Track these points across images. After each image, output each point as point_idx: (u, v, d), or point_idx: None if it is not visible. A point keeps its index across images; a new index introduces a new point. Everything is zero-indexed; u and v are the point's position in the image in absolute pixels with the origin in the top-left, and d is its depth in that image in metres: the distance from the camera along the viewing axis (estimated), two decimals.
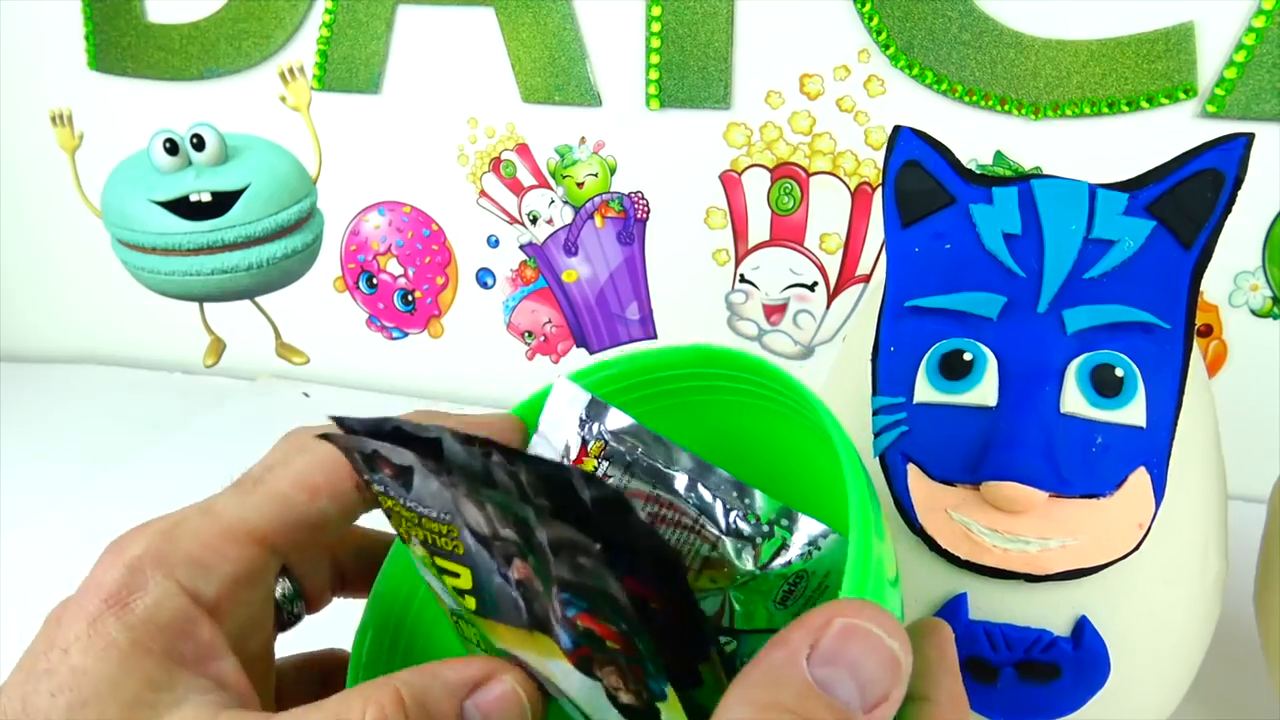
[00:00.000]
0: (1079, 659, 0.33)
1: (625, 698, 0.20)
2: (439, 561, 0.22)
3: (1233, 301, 0.62)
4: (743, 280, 0.70)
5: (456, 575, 0.22)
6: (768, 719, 0.17)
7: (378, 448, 0.21)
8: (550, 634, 0.20)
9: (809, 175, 0.66)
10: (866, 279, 0.68)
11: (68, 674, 0.19)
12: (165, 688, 0.19)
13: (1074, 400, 0.32)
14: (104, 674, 0.19)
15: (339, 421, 0.21)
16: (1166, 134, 0.59)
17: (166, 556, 0.21)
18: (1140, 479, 0.32)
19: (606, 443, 0.25)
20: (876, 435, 0.35)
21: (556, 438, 0.26)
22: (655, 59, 0.65)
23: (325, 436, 0.21)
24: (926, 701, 0.21)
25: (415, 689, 0.20)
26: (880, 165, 0.65)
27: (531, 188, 0.72)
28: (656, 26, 0.64)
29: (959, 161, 0.36)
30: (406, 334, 0.80)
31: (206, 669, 0.21)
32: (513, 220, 0.74)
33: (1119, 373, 0.32)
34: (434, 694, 0.20)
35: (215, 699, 0.20)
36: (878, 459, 0.35)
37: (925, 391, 0.34)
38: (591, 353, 0.76)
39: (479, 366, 0.79)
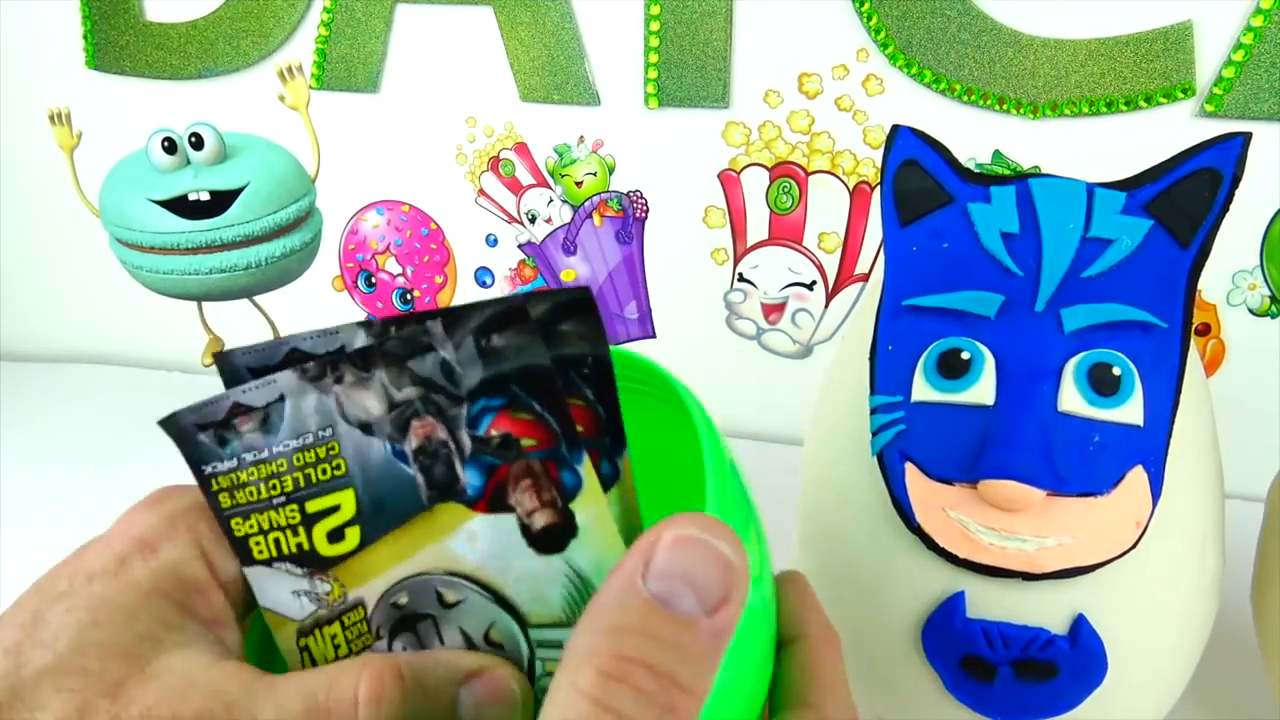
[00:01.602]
0: (1076, 657, 0.33)
1: (540, 518, 0.21)
2: (312, 508, 0.22)
3: (1231, 300, 0.62)
4: (741, 279, 0.70)
5: (335, 509, 0.22)
6: (615, 644, 0.17)
7: (239, 398, 0.21)
8: (453, 495, 0.21)
9: (807, 174, 0.66)
10: (865, 278, 0.68)
11: (87, 598, 0.20)
12: (176, 629, 0.20)
13: (1071, 399, 0.32)
14: (122, 604, 0.20)
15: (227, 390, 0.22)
16: (1165, 133, 0.59)
17: (198, 524, 0.22)
18: (1137, 478, 0.32)
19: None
20: (874, 434, 0.35)
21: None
22: (654, 58, 0.65)
23: (164, 422, 0.22)
24: (801, 639, 0.24)
25: (415, 667, 0.20)
26: (879, 164, 0.65)
27: (530, 187, 0.72)
28: (655, 25, 0.64)
29: (957, 161, 0.36)
30: None
31: (215, 630, 0.21)
32: (511, 219, 0.74)
33: (1116, 371, 0.32)
34: (432, 674, 0.20)
35: (220, 651, 0.21)
36: (875, 457, 0.35)
37: (923, 390, 0.34)
38: None
39: None
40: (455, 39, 0.69)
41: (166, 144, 0.66)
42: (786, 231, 0.68)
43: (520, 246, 0.74)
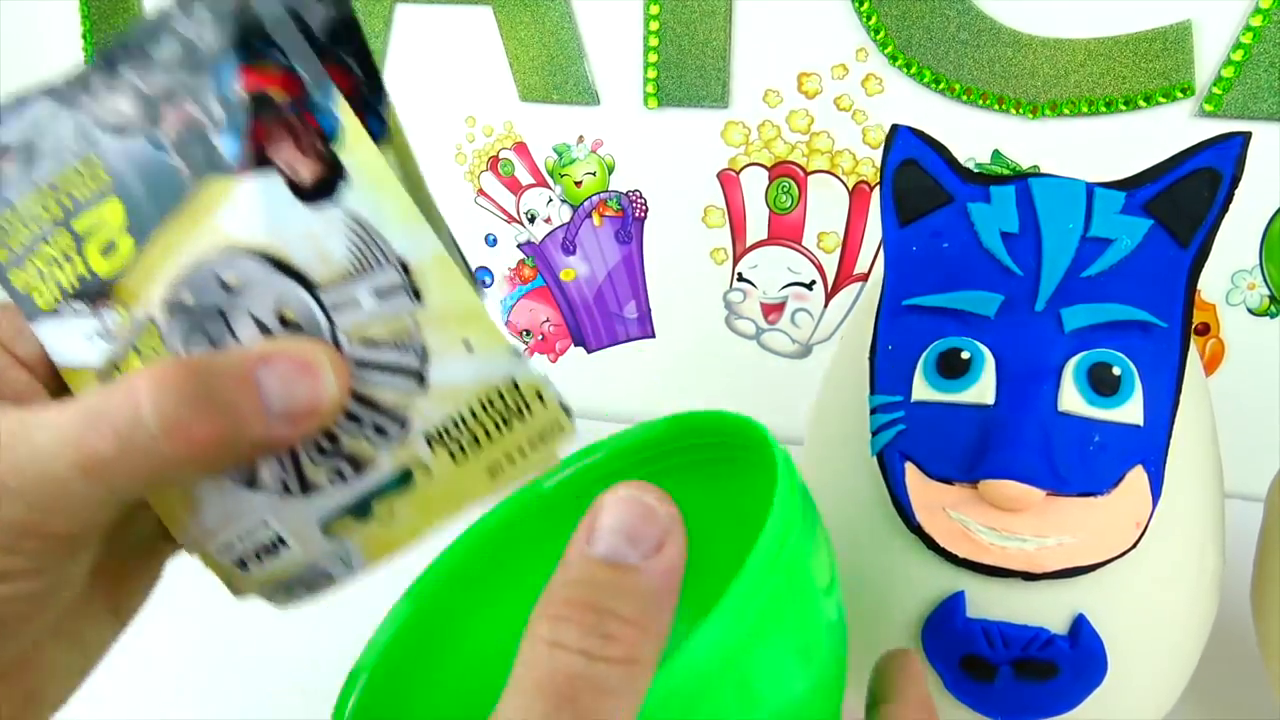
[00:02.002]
0: (1076, 657, 0.33)
1: (305, 169, 0.20)
2: (81, 225, 0.22)
3: (1230, 300, 0.62)
4: (741, 279, 0.71)
5: (103, 222, 0.21)
6: (563, 594, 0.19)
7: None
8: (214, 168, 0.20)
9: (807, 174, 0.66)
10: (864, 277, 0.68)
11: None
12: None
13: (1071, 399, 0.32)
14: None
15: None
16: (1164, 133, 0.59)
17: None
18: (1137, 477, 0.32)
19: None
20: (874, 434, 0.35)
21: None
22: (653, 58, 0.65)
23: None
24: (893, 704, 0.25)
25: (201, 359, 0.20)
26: (878, 164, 0.65)
27: (529, 186, 0.72)
28: (655, 25, 0.64)
29: (957, 160, 0.36)
30: None
31: (24, 404, 0.20)
32: (511, 219, 0.74)
33: (1116, 371, 0.32)
34: (223, 361, 0.20)
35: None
36: (875, 457, 0.35)
37: (923, 390, 0.34)
38: (589, 351, 0.76)
39: None
40: (454, 38, 0.69)
41: None
42: (786, 231, 0.68)
43: (519, 246, 0.74)
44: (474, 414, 0.21)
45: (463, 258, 0.21)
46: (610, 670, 0.18)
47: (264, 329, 0.21)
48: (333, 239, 0.20)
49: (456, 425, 0.21)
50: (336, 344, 0.21)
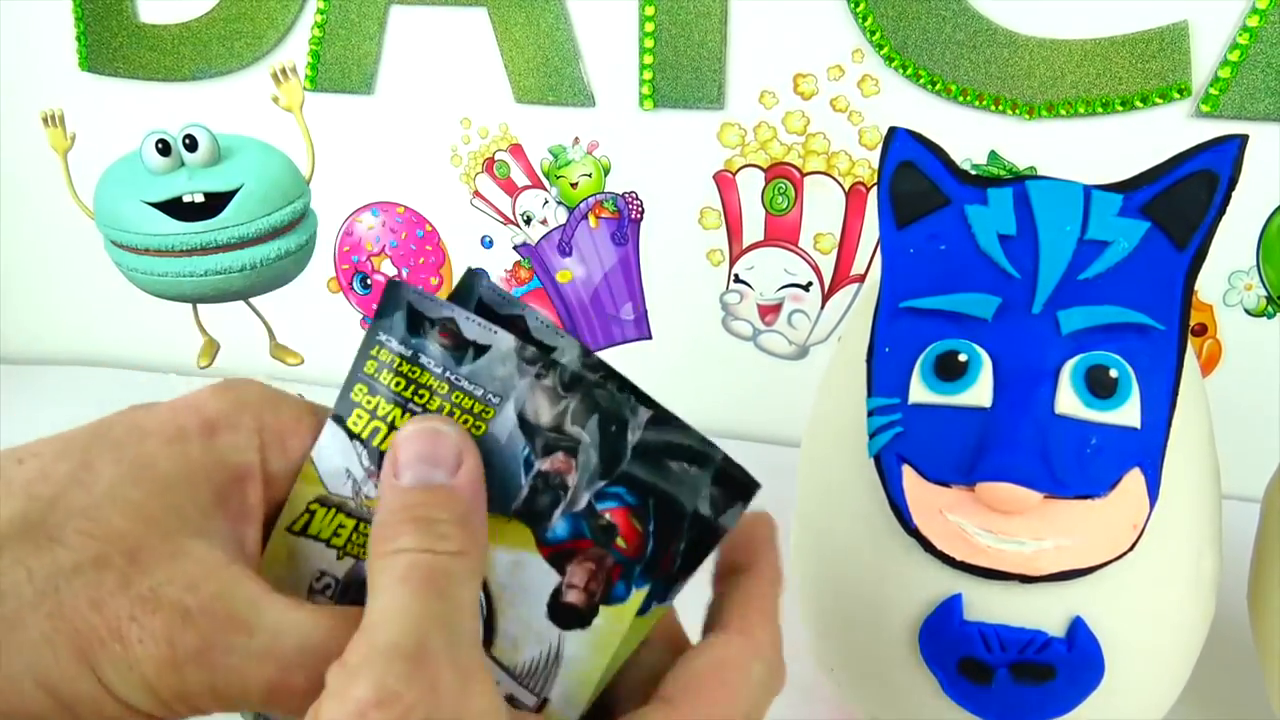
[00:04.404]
0: (1074, 660, 0.33)
1: (571, 596, 0.23)
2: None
3: (1227, 301, 0.62)
4: (737, 280, 0.70)
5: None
6: (389, 517, 0.21)
7: (460, 320, 0.23)
8: (534, 524, 0.23)
9: (803, 175, 0.66)
10: (861, 279, 0.68)
11: (135, 455, 0.21)
12: (206, 515, 0.21)
13: (1068, 401, 0.32)
14: (165, 471, 0.21)
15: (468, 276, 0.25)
16: (1161, 134, 0.59)
17: (263, 414, 0.23)
18: (1134, 480, 0.32)
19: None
20: (871, 436, 0.35)
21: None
22: (649, 59, 0.65)
23: (391, 282, 0.24)
24: (747, 572, 0.25)
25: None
26: (874, 165, 0.65)
27: (525, 188, 0.72)
28: (650, 26, 0.64)
29: (954, 162, 0.36)
30: None
31: (239, 526, 0.22)
32: (507, 221, 0.74)
33: (1113, 374, 0.32)
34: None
35: (239, 552, 0.22)
36: (873, 459, 0.35)
37: (920, 392, 0.34)
38: None
39: None
40: (449, 40, 0.69)
41: (160, 146, 0.65)
42: (782, 233, 0.68)
43: (515, 248, 0.74)
44: None
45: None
46: (451, 561, 0.21)
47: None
48: (531, 646, 0.23)
49: None
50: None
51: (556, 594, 0.23)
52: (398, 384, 0.24)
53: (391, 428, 0.23)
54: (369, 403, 0.24)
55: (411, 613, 0.19)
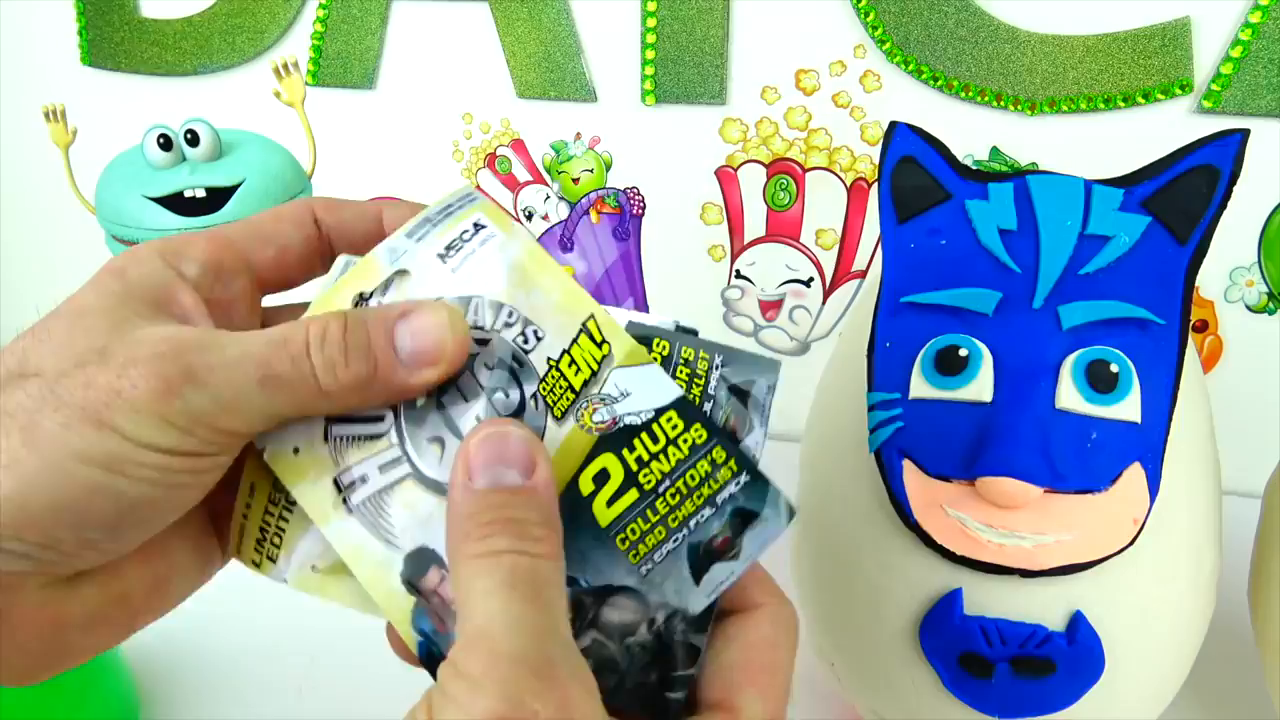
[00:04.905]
0: (1074, 654, 0.33)
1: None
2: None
3: (1228, 297, 0.62)
4: (738, 276, 0.70)
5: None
6: (475, 520, 0.22)
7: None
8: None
9: (805, 171, 0.66)
10: (862, 275, 0.68)
11: (69, 308, 0.24)
12: (148, 318, 0.24)
13: (1069, 396, 0.32)
14: (101, 305, 0.24)
15: None
16: (1162, 130, 0.59)
17: (159, 247, 0.26)
18: (1135, 474, 0.32)
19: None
20: (872, 431, 0.35)
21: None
22: (651, 54, 0.65)
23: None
24: (751, 611, 0.25)
25: (356, 313, 0.24)
26: (876, 161, 0.65)
27: (527, 183, 0.72)
28: (652, 22, 0.64)
29: (955, 157, 0.36)
30: None
31: (190, 322, 0.25)
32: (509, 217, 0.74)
33: (1114, 368, 0.32)
34: (372, 315, 0.24)
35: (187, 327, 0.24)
36: (873, 454, 0.35)
37: (921, 387, 0.34)
38: None
39: None
40: (451, 35, 0.69)
41: (162, 140, 0.65)
42: (784, 228, 0.68)
43: None
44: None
45: None
46: (548, 566, 0.21)
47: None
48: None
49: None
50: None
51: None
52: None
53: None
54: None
55: (527, 622, 0.20)
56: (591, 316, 0.25)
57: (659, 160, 0.69)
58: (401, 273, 0.26)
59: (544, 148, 0.71)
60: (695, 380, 0.26)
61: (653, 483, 0.24)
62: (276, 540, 0.26)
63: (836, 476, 0.38)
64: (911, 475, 0.34)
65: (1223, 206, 0.33)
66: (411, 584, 0.24)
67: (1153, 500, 0.32)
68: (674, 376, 0.25)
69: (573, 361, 0.25)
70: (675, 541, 0.24)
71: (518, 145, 0.71)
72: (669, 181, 0.69)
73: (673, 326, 0.26)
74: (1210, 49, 0.57)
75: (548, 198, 0.72)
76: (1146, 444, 0.32)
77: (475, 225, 0.26)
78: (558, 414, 0.24)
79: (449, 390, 0.25)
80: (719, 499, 0.24)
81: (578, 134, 0.70)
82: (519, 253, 0.25)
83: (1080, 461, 0.32)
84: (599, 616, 0.23)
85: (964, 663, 0.33)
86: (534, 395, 0.25)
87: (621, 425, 0.24)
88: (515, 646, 0.20)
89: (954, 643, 0.33)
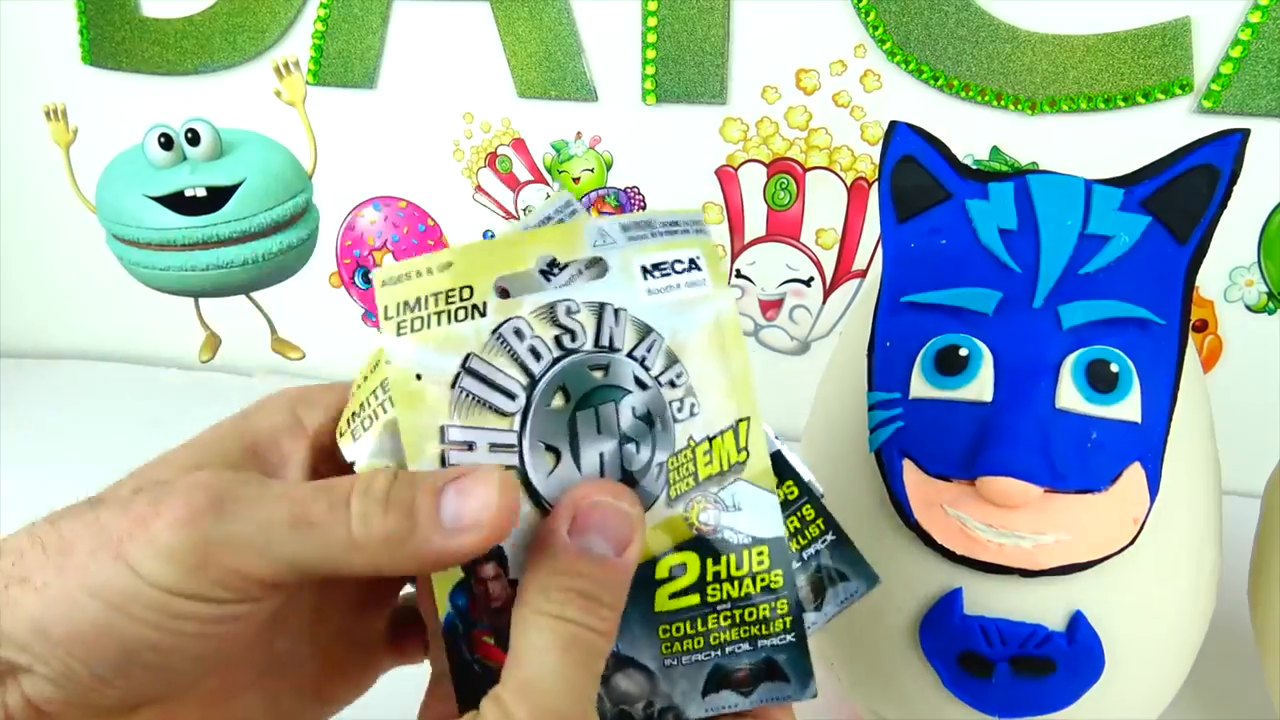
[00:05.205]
0: (1074, 654, 0.33)
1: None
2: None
3: (1228, 297, 0.62)
4: (739, 275, 0.70)
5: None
6: (558, 580, 0.23)
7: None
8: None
9: (805, 170, 0.66)
10: (862, 274, 0.68)
11: (191, 439, 0.25)
12: (234, 463, 0.25)
13: (1069, 396, 0.32)
14: (203, 440, 0.25)
15: None
16: (1162, 129, 0.59)
17: (295, 393, 0.27)
18: (1135, 474, 0.32)
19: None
20: (872, 430, 0.35)
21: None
22: (651, 54, 0.65)
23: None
24: None
25: (405, 471, 0.23)
26: (876, 160, 0.65)
27: (527, 183, 0.72)
28: (653, 21, 0.64)
29: (955, 157, 0.36)
30: None
31: (269, 471, 0.25)
32: (508, 215, 0.74)
33: (1114, 368, 0.32)
34: (422, 476, 0.23)
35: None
36: (873, 454, 0.35)
37: (921, 387, 0.34)
38: None
39: None
40: (452, 34, 0.69)
41: (163, 140, 0.65)
42: (784, 228, 0.68)
43: None
44: None
45: None
46: (600, 640, 0.23)
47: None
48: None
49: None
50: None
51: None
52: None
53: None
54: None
55: (575, 686, 0.22)
56: (747, 419, 0.25)
57: (659, 160, 0.69)
58: (598, 261, 0.24)
59: (545, 147, 0.71)
60: (799, 538, 0.26)
61: (717, 599, 0.25)
62: (366, 424, 0.25)
63: (837, 476, 0.38)
64: (911, 475, 0.34)
65: (1223, 206, 0.33)
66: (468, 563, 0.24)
67: (1153, 500, 0.32)
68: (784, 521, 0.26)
69: (709, 451, 0.25)
70: (706, 656, 0.25)
71: (518, 145, 0.71)
72: (669, 181, 0.69)
73: (810, 477, 0.27)
74: (1210, 49, 0.57)
75: (548, 197, 0.72)
76: (1146, 444, 0.32)
77: (692, 262, 0.25)
78: (673, 494, 0.25)
79: (590, 395, 0.24)
80: (761, 643, 0.25)
81: (578, 133, 0.70)
82: (723, 316, 0.25)
83: (1080, 461, 0.32)
84: (610, 677, 0.25)
85: (964, 662, 0.33)
86: (661, 464, 0.25)
87: (719, 536, 0.25)
88: (560, 705, 0.22)
89: (954, 642, 0.33)
